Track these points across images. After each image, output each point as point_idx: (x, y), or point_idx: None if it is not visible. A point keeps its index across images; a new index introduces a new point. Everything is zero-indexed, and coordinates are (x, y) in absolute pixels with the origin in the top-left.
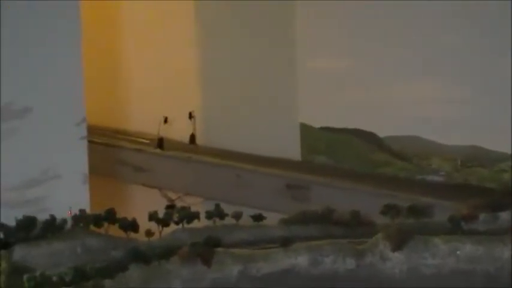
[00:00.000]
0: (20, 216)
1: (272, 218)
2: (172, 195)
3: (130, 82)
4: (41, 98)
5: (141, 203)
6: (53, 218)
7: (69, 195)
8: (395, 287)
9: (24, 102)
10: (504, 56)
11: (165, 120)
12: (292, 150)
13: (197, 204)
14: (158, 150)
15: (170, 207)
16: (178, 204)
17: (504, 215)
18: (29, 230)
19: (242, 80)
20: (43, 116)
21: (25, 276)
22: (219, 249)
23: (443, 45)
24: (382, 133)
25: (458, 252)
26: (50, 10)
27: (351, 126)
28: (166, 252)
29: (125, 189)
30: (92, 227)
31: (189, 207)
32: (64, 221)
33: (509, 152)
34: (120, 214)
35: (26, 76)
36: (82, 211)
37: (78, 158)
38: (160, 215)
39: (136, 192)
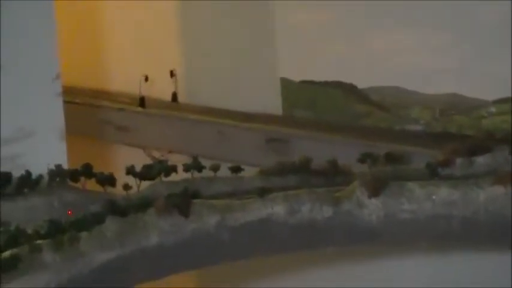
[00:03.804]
0: None
1: (253, 172)
2: (156, 154)
3: (110, 41)
4: (14, 54)
5: (126, 162)
6: (28, 174)
7: (46, 152)
8: (373, 233)
9: None
10: (485, 4)
11: (146, 79)
12: (273, 105)
13: (181, 162)
14: (140, 109)
15: None
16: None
17: (480, 160)
18: (4, 185)
19: (222, 37)
20: (16, 73)
21: None
22: (196, 200)
23: None
24: (362, 85)
25: (434, 196)
26: None
27: (331, 79)
28: (144, 204)
29: (108, 149)
30: (69, 182)
31: (167, 161)
32: (40, 176)
33: (488, 99)
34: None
35: None
36: (58, 166)
37: (54, 115)
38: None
39: (120, 152)
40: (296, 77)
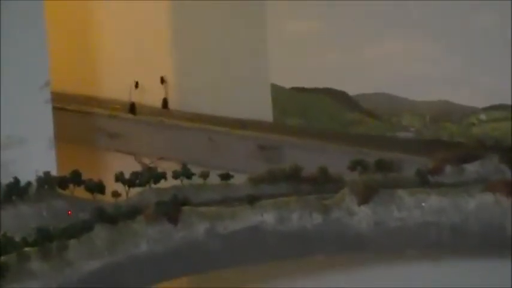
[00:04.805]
0: None
1: (244, 179)
2: (147, 161)
3: (101, 48)
4: (3, 61)
5: (116, 169)
6: (16, 181)
7: (35, 159)
8: (362, 241)
9: None
10: (476, 13)
11: (136, 85)
12: (264, 112)
13: (172, 169)
14: (130, 116)
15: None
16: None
17: (470, 167)
18: None
19: (213, 43)
20: (5, 80)
21: None
22: (185, 207)
23: (414, 3)
24: (353, 92)
25: (423, 204)
26: None
27: (322, 86)
28: (133, 212)
29: (99, 155)
30: (58, 190)
31: (156, 168)
32: (28, 183)
33: (478, 106)
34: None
35: None
36: (46, 173)
37: (44, 123)
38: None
39: (111, 159)
40: (287, 83)
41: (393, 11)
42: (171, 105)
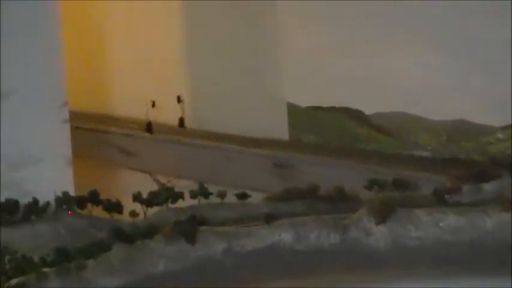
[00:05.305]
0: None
1: (259, 196)
2: (163, 179)
3: (118, 68)
4: (22, 81)
5: (133, 188)
6: (35, 201)
7: (53, 178)
8: (380, 259)
9: (5, 86)
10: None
11: (153, 105)
12: (280, 130)
13: (188, 187)
14: (147, 134)
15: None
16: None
17: (487, 186)
18: (11, 213)
19: (229, 62)
20: (25, 100)
21: (6, 258)
22: (203, 227)
23: (431, 16)
24: (369, 110)
25: (441, 224)
26: None
27: (338, 104)
28: (150, 231)
29: (116, 174)
30: (76, 209)
31: (173, 188)
32: (47, 203)
33: (495, 125)
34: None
35: (6, 60)
36: (65, 193)
37: (62, 142)
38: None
39: (127, 177)
40: (302, 102)
41: (408, 29)
42: (188, 123)
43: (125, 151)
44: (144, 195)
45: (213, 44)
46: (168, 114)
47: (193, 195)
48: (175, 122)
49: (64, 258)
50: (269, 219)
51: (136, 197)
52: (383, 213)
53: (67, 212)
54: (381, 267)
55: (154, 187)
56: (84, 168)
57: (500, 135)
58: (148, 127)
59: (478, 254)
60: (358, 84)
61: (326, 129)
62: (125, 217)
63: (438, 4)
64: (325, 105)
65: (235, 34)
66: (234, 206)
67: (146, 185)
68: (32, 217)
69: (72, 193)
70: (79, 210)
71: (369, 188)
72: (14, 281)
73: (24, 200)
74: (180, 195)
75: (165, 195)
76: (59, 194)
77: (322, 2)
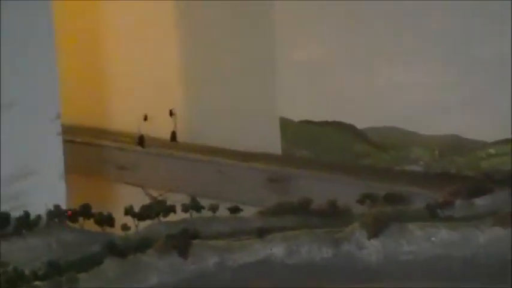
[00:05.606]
0: None
1: (253, 211)
2: (155, 193)
3: (110, 81)
4: (15, 94)
5: (125, 202)
6: (26, 214)
7: (45, 192)
8: (372, 274)
9: None
10: (486, 43)
11: (145, 118)
12: (273, 145)
13: (181, 201)
14: (139, 148)
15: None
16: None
17: (479, 201)
18: (2, 226)
19: (221, 77)
20: (17, 113)
21: None
22: (195, 240)
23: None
24: (362, 124)
25: (433, 238)
26: (21, 5)
27: (331, 118)
28: (143, 245)
29: (108, 188)
30: (68, 223)
31: (165, 201)
32: (38, 217)
33: (487, 140)
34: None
35: None
36: (56, 207)
37: (54, 155)
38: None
39: (119, 191)
40: (296, 116)
41: (403, 44)
42: (180, 137)
43: (117, 165)
44: (136, 209)
45: (207, 57)
46: (160, 128)
47: (185, 209)
48: (168, 136)
49: (56, 271)
50: (261, 233)
51: (128, 211)
52: (376, 228)
53: (60, 225)
54: (374, 281)
55: (147, 201)
56: (77, 182)
57: (491, 151)
58: (141, 141)
59: (470, 268)
60: (351, 98)
61: (319, 143)
62: (117, 230)
63: (432, 21)
64: (317, 119)
65: (230, 48)
66: (226, 220)
67: (139, 199)
68: (23, 231)
69: (64, 207)
70: (71, 224)
71: (361, 203)
72: None
73: (17, 214)
74: (172, 209)
75: (156, 209)
76: (51, 207)
77: (316, 19)
